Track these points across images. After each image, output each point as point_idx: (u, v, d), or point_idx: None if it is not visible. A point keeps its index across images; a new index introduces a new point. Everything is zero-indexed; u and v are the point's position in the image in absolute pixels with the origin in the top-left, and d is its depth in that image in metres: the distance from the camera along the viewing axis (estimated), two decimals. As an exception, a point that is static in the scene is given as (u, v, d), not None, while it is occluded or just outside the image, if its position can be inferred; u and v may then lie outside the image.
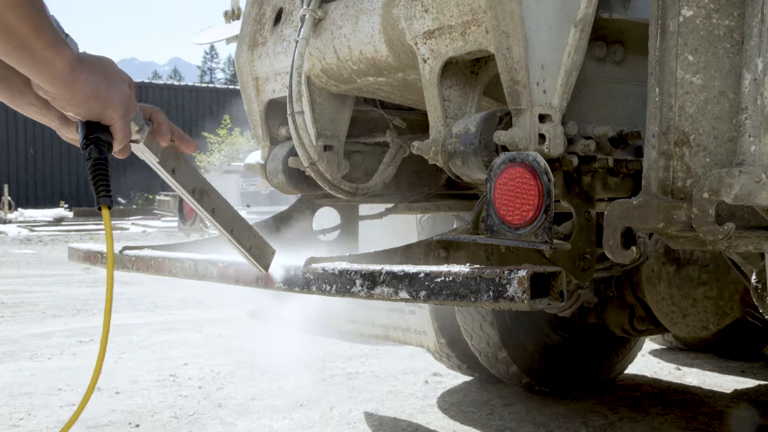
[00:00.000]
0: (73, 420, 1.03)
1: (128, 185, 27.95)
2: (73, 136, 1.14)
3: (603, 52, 1.94)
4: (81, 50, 1.06)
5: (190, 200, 1.31)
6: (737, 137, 1.44)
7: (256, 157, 2.72)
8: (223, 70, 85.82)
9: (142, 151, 1.20)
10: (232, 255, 1.87)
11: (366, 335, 2.99)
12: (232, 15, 3.89)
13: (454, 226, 2.66)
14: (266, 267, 1.52)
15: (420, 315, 3.05)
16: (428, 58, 1.89)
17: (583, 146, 1.82)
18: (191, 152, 1.27)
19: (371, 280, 1.51)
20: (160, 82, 38.96)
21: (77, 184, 27.73)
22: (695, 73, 1.48)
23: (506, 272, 1.33)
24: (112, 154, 1.12)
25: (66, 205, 23.60)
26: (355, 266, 1.56)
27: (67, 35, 1.10)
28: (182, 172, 1.28)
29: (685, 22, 1.48)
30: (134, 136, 1.15)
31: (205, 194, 1.33)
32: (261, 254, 1.48)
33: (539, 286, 1.33)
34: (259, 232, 1.48)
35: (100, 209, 1.04)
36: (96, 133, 1.04)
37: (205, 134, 22.39)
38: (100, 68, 1.03)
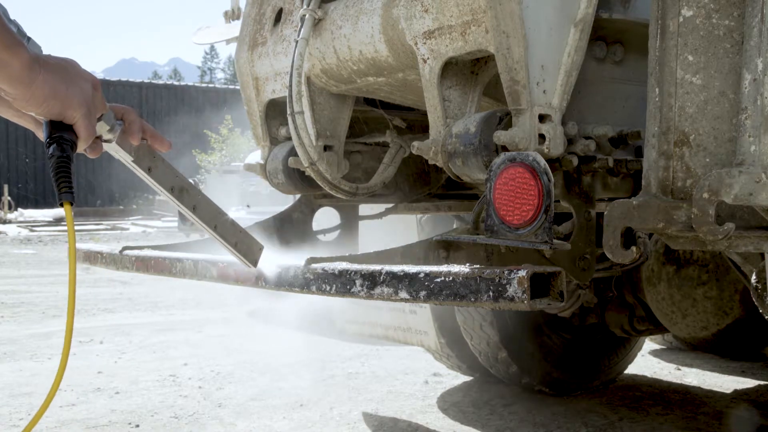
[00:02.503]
0: (35, 421, 1.03)
1: (128, 185, 27.94)
2: None
3: (603, 52, 1.94)
4: (66, 53, 1.07)
5: (170, 198, 1.31)
6: (737, 137, 1.44)
7: (256, 157, 2.72)
8: (223, 70, 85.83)
9: (116, 151, 1.21)
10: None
11: (366, 335, 2.99)
12: (232, 15, 3.89)
13: (454, 226, 2.66)
14: (254, 262, 1.51)
15: (421, 315, 3.05)
16: (428, 58, 1.89)
17: (583, 146, 1.82)
18: (164, 150, 1.28)
19: (371, 280, 1.51)
20: (160, 82, 38.94)
21: (77, 184, 27.58)
22: (695, 73, 1.48)
23: (506, 272, 1.33)
24: (86, 154, 1.14)
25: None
26: (355, 266, 1.56)
27: (29, 39, 1.14)
28: (159, 170, 1.29)
29: (685, 22, 1.48)
30: (106, 136, 1.16)
31: (185, 192, 1.33)
32: (248, 250, 1.47)
33: (539, 286, 1.33)
34: (243, 227, 1.47)
35: (62, 205, 1.05)
36: (60, 132, 1.05)
37: (207, 131, 22.36)
38: (60, 69, 1.04)
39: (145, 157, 1.26)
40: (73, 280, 1.04)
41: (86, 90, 1.06)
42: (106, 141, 1.18)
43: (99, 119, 1.13)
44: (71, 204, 1.05)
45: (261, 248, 1.50)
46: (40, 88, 1.00)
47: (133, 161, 1.23)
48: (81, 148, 1.10)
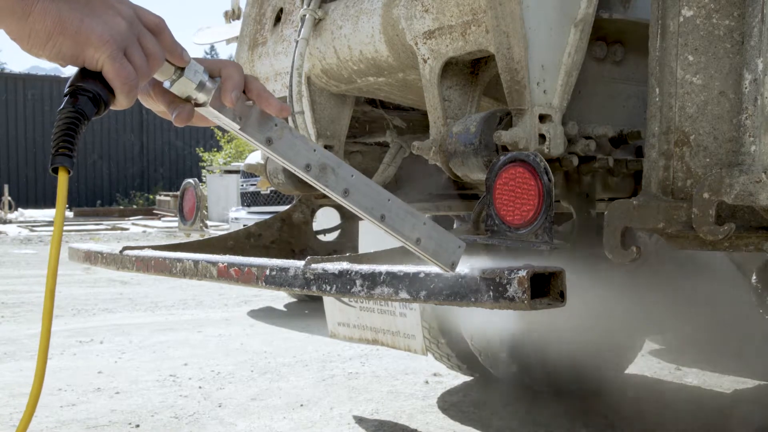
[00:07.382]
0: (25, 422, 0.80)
1: (129, 185, 27.95)
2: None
3: (603, 52, 1.94)
4: None
5: (308, 179, 1.00)
6: (737, 137, 1.44)
7: (256, 157, 2.72)
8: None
9: (216, 117, 0.93)
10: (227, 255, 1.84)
11: (357, 339, 2.97)
12: (232, 15, 3.89)
13: (454, 226, 2.66)
14: (451, 265, 1.15)
15: (410, 318, 3.04)
16: (428, 58, 1.89)
17: (583, 146, 1.82)
18: (275, 115, 0.96)
19: (371, 280, 1.51)
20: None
21: (77, 184, 27.75)
22: (695, 73, 1.48)
23: (506, 272, 1.33)
24: (172, 122, 0.92)
25: (66, 205, 23.58)
26: (355, 266, 1.56)
27: None
28: (284, 142, 0.97)
29: (685, 22, 1.48)
30: (197, 97, 0.90)
31: (329, 170, 1.01)
32: (438, 248, 1.12)
33: (540, 286, 1.33)
34: (431, 220, 1.15)
35: (54, 171, 0.79)
36: (83, 81, 0.80)
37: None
38: None
39: (257, 125, 0.95)
40: (57, 250, 0.81)
41: (115, 24, 0.80)
42: (198, 105, 0.91)
43: (180, 75, 0.88)
44: (68, 171, 0.79)
45: (460, 246, 1.15)
46: (40, 21, 0.76)
47: (240, 130, 0.94)
48: (123, 103, 0.83)
